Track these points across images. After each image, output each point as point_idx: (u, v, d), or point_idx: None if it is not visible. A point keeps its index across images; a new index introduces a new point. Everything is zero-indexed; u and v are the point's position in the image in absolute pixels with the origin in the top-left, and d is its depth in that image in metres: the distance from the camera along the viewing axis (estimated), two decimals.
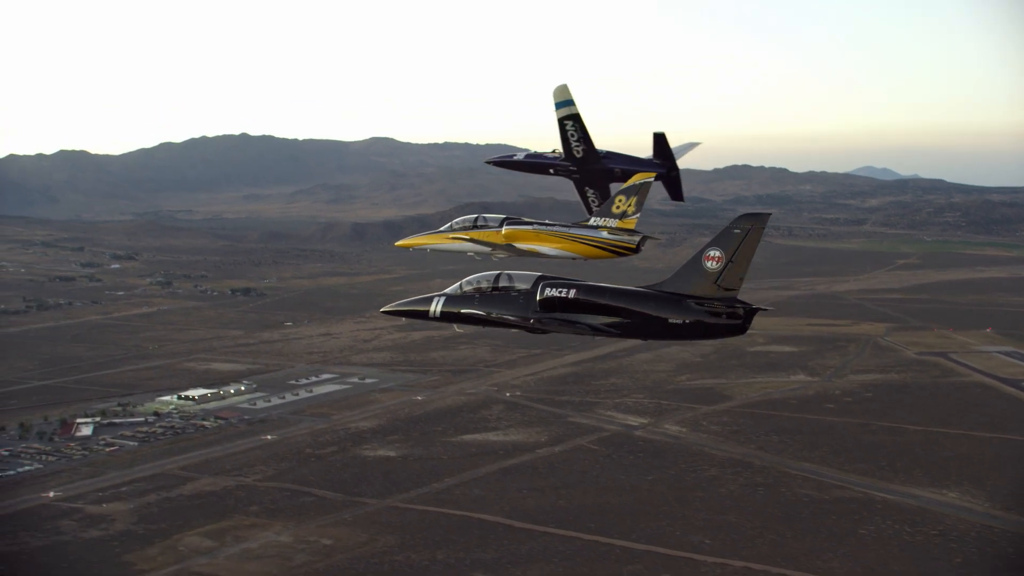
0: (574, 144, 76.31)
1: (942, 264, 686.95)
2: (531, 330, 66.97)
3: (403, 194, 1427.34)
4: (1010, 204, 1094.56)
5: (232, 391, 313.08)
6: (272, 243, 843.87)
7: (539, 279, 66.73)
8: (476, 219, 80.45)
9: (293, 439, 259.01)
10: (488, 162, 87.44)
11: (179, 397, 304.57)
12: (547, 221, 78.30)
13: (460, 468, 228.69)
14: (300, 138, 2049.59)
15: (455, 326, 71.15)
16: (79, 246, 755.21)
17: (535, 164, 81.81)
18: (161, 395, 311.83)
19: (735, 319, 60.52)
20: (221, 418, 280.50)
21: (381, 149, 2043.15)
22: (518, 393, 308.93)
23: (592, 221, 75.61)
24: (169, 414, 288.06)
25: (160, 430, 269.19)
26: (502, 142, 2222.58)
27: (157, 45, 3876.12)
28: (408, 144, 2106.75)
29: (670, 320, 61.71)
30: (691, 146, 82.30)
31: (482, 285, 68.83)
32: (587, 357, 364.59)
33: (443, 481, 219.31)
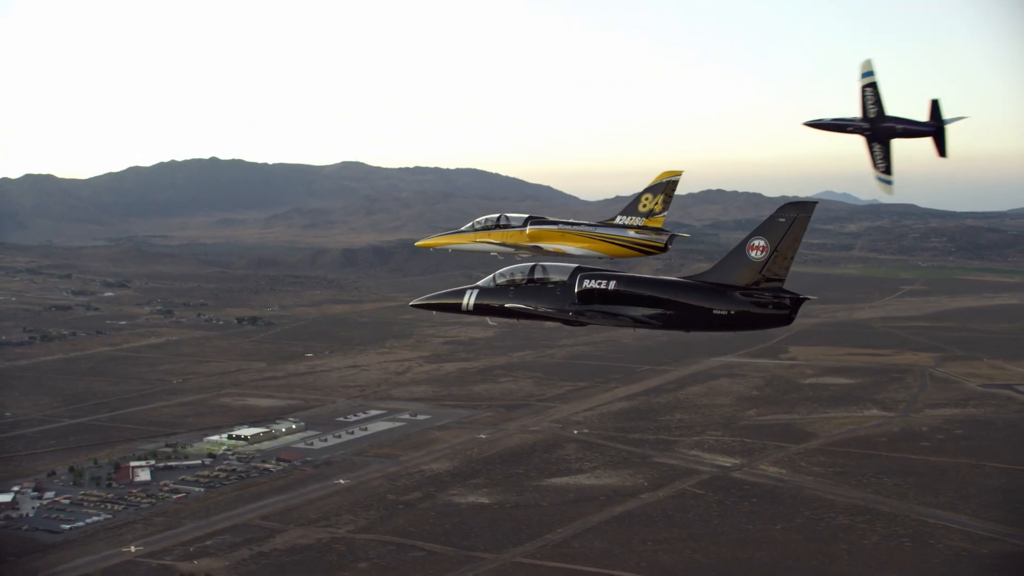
0: (870, 106, 78.60)
1: (948, 291, 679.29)
2: (569, 322, 66.46)
3: (380, 219, 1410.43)
4: (993, 230, 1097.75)
5: (283, 429, 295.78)
6: (261, 270, 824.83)
7: (576, 270, 66.34)
8: (499, 219, 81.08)
9: (369, 484, 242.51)
10: (807, 124, 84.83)
11: (230, 437, 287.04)
12: (572, 220, 79.89)
13: (567, 517, 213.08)
14: (270, 162, 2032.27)
15: (488, 319, 70.98)
16: (66, 273, 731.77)
17: (839, 125, 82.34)
18: (208, 434, 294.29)
19: (782, 309, 60.15)
20: (284, 460, 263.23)
21: (352, 173, 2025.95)
22: (585, 431, 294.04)
23: (618, 220, 77.59)
24: (224, 455, 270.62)
25: (222, 474, 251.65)
26: (473, 167, 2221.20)
27: (123, 68, 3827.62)
28: (379, 168, 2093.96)
29: (715, 311, 61.20)
30: (959, 119, 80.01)
31: (516, 277, 68.10)
32: (638, 390, 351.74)
33: (556, 532, 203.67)
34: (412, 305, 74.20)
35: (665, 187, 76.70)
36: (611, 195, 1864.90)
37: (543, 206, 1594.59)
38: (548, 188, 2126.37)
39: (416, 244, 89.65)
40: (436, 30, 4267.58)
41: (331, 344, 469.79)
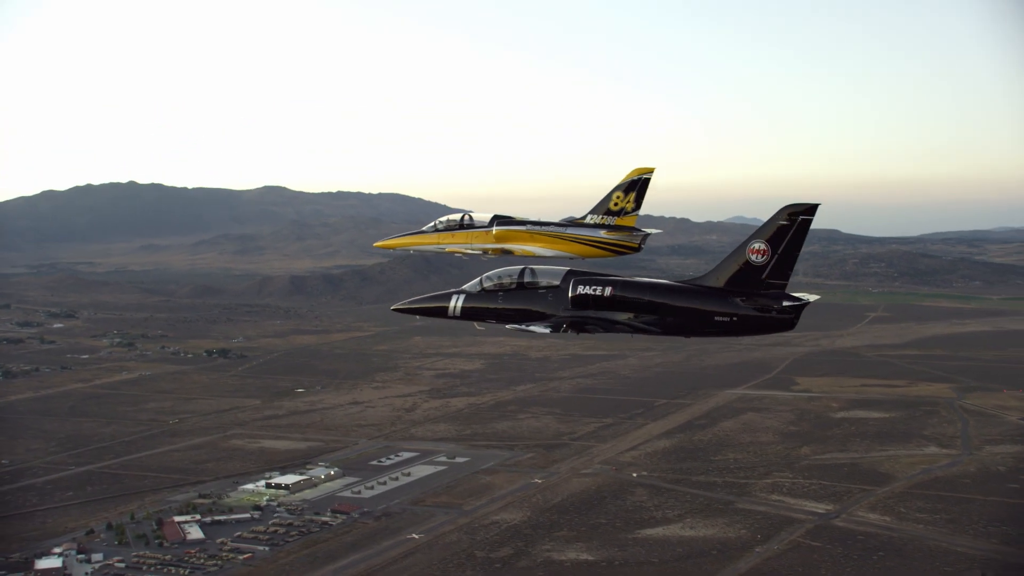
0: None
1: (913, 317, 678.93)
2: (560, 329, 62.41)
3: (312, 245, 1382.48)
4: (926, 255, 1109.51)
5: (322, 476, 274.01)
6: (208, 298, 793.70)
7: (569, 274, 64.36)
8: (462, 218, 77.65)
9: (446, 538, 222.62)
10: None
11: (268, 485, 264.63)
12: (540, 220, 76.05)
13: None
14: (190, 186, 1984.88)
15: (475, 324, 68.16)
16: (4, 303, 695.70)
17: None
18: (239, 481, 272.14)
19: (785, 314, 58.73)
20: (340, 512, 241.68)
21: (275, 198, 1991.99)
22: (644, 473, 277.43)
23: (588, 219, 74.25)
24: (270, 507, 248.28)
25: (280, 528, 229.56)
26: (396, 192, 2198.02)
27: (35, 89, 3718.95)
28: (302, 193, 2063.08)
29: (716, 316, 59.71)
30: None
31: (504, 281, 66.11)
32: (670, 427, 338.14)
33: None
34: (394, 309, 71.48)
35: (638, 184, 73.30)
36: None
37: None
38: (466, 215, 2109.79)
39: (376, 245, 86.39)
40: (347, 46, 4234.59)
41: (317, 378, 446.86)
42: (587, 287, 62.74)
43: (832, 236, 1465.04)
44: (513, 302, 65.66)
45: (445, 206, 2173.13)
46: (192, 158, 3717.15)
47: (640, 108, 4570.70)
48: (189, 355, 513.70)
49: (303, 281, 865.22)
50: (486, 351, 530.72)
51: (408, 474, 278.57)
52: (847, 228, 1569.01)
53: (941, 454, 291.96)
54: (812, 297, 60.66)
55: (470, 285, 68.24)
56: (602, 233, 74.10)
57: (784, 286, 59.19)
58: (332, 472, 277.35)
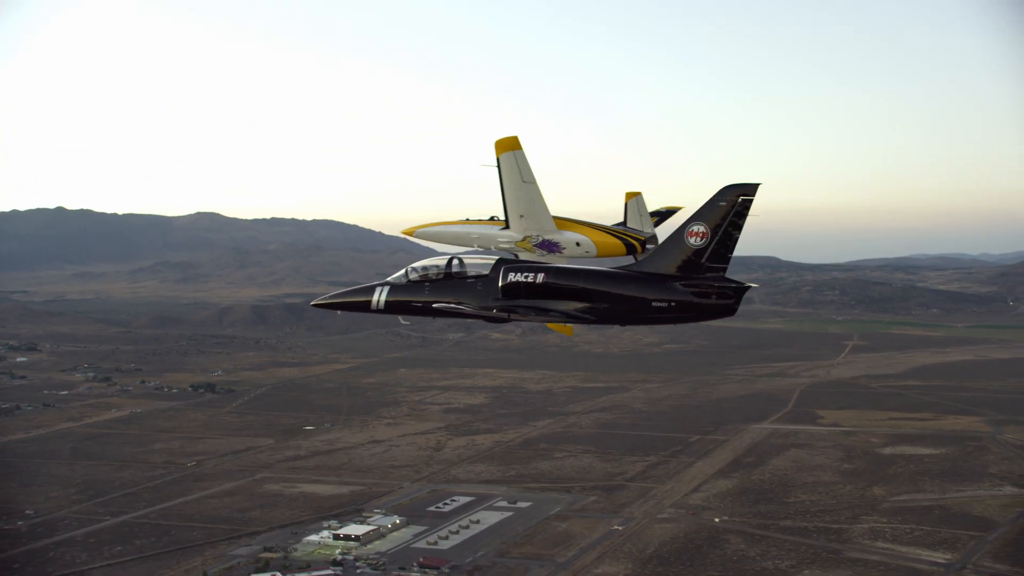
0: None
1: (892, 346, 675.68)
2: (493, 319, 62.58)
3: (255, 272, 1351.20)
4: (878, 282, 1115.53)
5: (388, 525, 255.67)
6: (168, 328, 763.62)
7: (499, 262, 63.25)
8: (492, 218, 78.61)
9: None
10: None
11: (336, 536, 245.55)
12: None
13: None
14: (120, 212, 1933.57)
15: (400, 318, 67.13)
16: None
17: None
18: (298, 532, 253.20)
19: (725, 299, 57.23)
20: (428, 567, 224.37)
21: (208, 224, 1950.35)
22: (725, 518, 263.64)
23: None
24: (347, 561, 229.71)
25: None
26: (330, 218, 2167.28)
27: None
28: (236, 220, 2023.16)
29: (654, 302, 58.22)
30: None
31: (431, 272, 64.89)
32: (720, 466, 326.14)
33: None
34: (314, 305, 69.41)
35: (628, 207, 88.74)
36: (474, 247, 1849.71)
37: (416, 259, 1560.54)
38: (405, 240, 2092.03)
39: (402, 232, 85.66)
40: (277, 71, 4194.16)
41: (319, 415, 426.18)
42: (518, 274, 60.84)
43: (772, 263, 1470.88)
44: (441, 293, 63.54)
45: (383, 233, 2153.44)
46: (121, 183, 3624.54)
47: (561, 130, 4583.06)
48: (173, 390, 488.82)
49: (265, 310, 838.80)
50: (480, 384, 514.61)
51: (477, 521, 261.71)
52: (784, 255, 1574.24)
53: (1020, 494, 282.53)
54: (752, 284, 58.39)
55: (394, 277, 66.17)
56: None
57: (724, 270, 56.84)
58: (397, 521, 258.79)
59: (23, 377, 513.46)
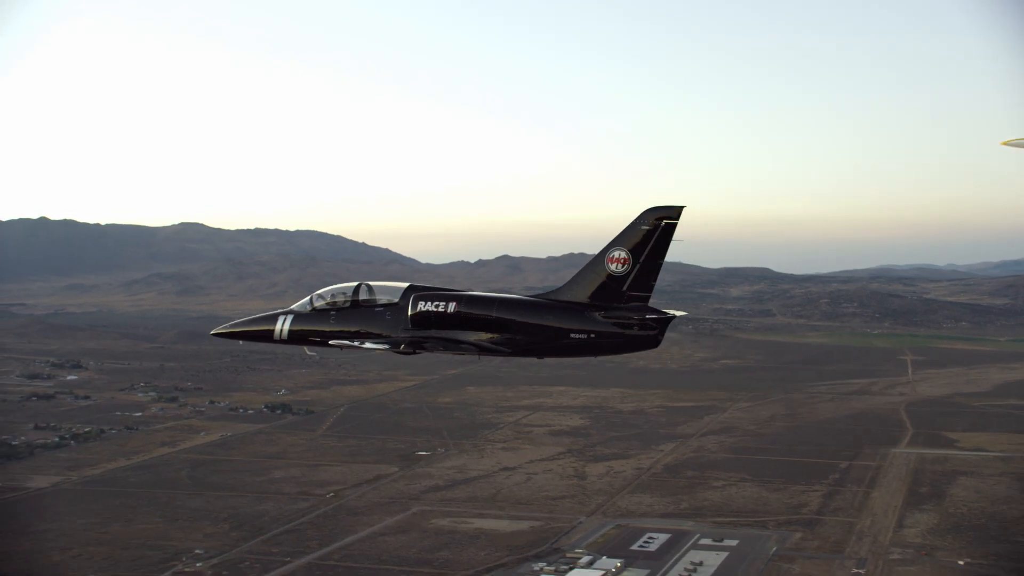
0: None
1: (952, 361, 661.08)
2: (401, 352, 58.24)
3: (255, 284, 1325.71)
4: (893, 295, 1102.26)
5: (612, 569, 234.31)
6: (196, 343, 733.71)
7: (409, 290, 60.87)
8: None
9: None
10: None
11: None
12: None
13: None
14: (103, 223, 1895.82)
15: (305, 349, 64.04)
16: None
17: None
18: None
19: (649, 330, 54.28)
20: None
21: (193, 235, 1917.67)
22: (968, 560, 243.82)
23: None
24: None
25: None
26: (314, 229, 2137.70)
27: None
28: (220, 230, 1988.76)
29: (572, 334, 55.65)
30: None
31: (338, 299, 62.29)
32: (900, 496, 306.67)
33: None
34: (214, 334, 66.30)
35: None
36: (454, 258, 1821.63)
37: (410, 270, 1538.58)
38: (387, 251, 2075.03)
39: None
40: (259, 83, 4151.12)
41: (422, 438, 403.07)
42: (428, 303, 58.31)
43: (767, 275, 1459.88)
44: (347, 323, 60.95)
45: (365, 244, 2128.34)
46: (105, 193, 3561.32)
47: (523, 144, 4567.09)
48: (249, 411, 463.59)
49: None
50: (563, 403, 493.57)
51: (700, 563, 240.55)
52: (776, 267, 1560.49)
53: None
54: (678, 312, 55.80)
55: (299, 305, 63.36)
56: None
57: (647, 299, 54.49)
58: (619, 564, 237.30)
59: (87, 398, 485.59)
